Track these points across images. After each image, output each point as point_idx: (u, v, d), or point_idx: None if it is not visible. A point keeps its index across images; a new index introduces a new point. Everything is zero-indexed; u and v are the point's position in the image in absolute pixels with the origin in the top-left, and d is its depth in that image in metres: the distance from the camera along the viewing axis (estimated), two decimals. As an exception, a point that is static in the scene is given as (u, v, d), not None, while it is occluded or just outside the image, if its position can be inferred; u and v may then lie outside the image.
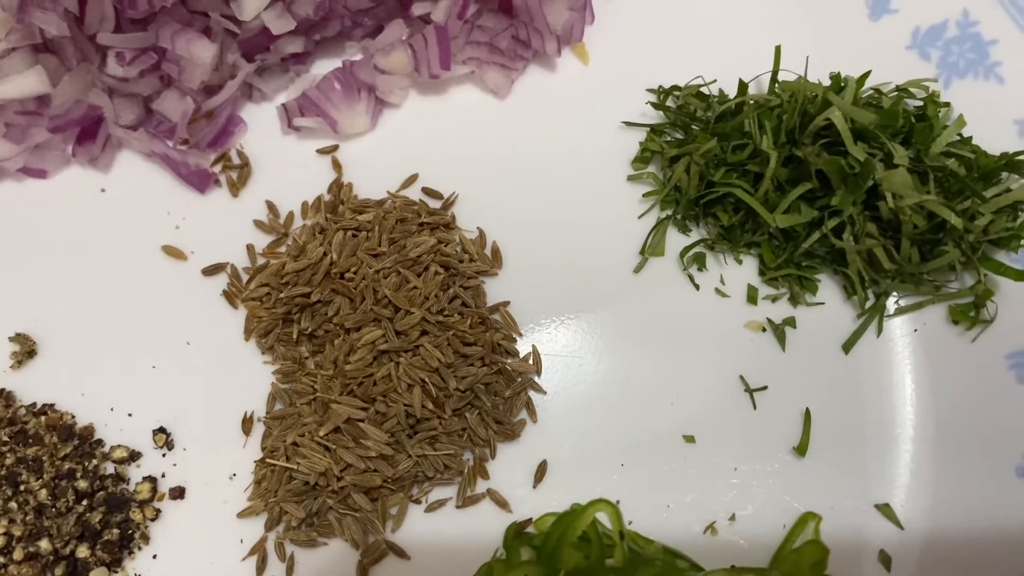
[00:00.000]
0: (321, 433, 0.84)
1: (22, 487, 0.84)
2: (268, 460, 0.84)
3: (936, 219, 0.87)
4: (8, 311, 0.93)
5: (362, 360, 0.86)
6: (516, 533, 0.83)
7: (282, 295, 0.90)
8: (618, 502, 0.85)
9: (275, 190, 0.98)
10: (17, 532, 0.81)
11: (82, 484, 0.86)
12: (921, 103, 0.94)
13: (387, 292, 0.88)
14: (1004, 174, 0.90)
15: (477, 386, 0.87)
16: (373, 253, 0.90)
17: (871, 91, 0.96)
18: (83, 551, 0.84)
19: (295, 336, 0.90)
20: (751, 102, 0.95)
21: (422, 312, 0.87)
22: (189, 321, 0.93)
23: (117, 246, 0.96)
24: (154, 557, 0.86)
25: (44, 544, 0.82)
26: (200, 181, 0.97)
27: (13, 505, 0.82)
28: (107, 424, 0.90)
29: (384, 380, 0.85)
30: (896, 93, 0.95)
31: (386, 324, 0.87)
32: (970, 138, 0.93)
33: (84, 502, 0.86)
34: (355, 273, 0.89)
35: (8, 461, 0.85)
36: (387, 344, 0.86)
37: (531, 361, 0.91)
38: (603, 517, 0.83)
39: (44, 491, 0.84)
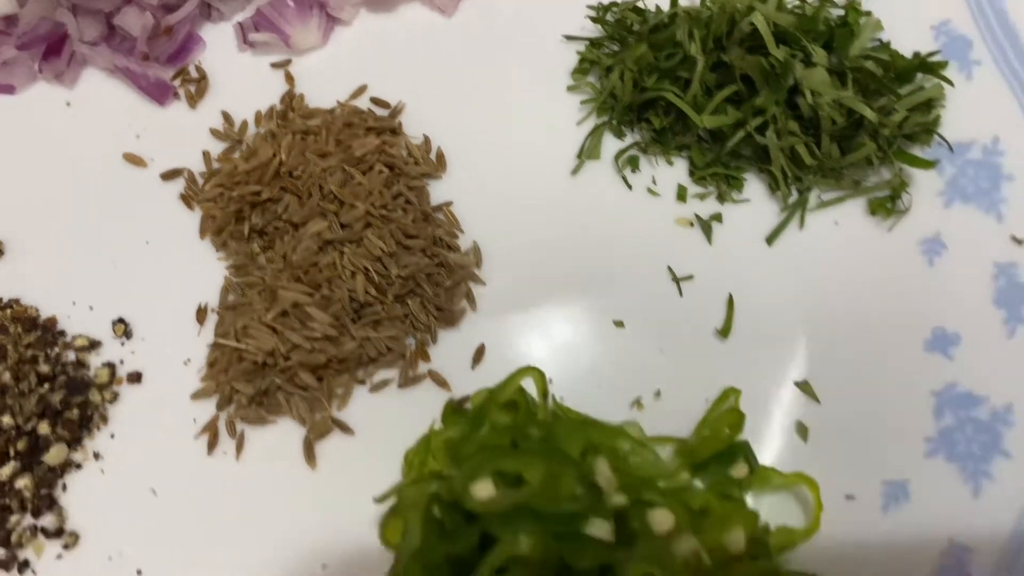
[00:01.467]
0: (269, 316, 0.89)
1: (-14, 370, 0.89)
2: (220, 341, 0.89)
3: (854, 116, 0.92)
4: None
5: (308, 249, 0.91)
6: (454, 408, 0.88)
7: (234, 193, 0.95)
8: (550, 381, 0.90)
9: (231, 102, 1.03)
10: (-19, 409, 0.86)
11: (44, 368, 0.91)
12: (843, 11, 0.99)
13: (332, 188, 0.93)
14: (919, 75, 0.95)
15: (418, 275, 0.91)
16: (320, 154, 0.95)
17: (797, 3, 1.01)
18: (44, 428, 0.88)
19: (246, 232, 0.95)
20: (683, 14, 1.00)
21: (366, 206, 0.92)
22: (148, 222, 0.98)
23: (81, 155, 1.01)
24: (112, 436, 0.90)
25: (6, 419, 0.87)
26: (160, 93, 1.02)
27: (-22, 384, 0.87)
28: (70, 317, 0.95)
29: (329, 267, 0.90)
30: (820, 3, 1.00)
31: (331, 217, 0.92)
32: (888, 43, 0.97)
33: (46, 385, 0.90)
34: (303, 172, 0.94)
35: (-27, 347, 0.90)
36: (332, 234, 0.91)
37: (471, 255, 0.95)
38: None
39: (7, 374, 0.89)
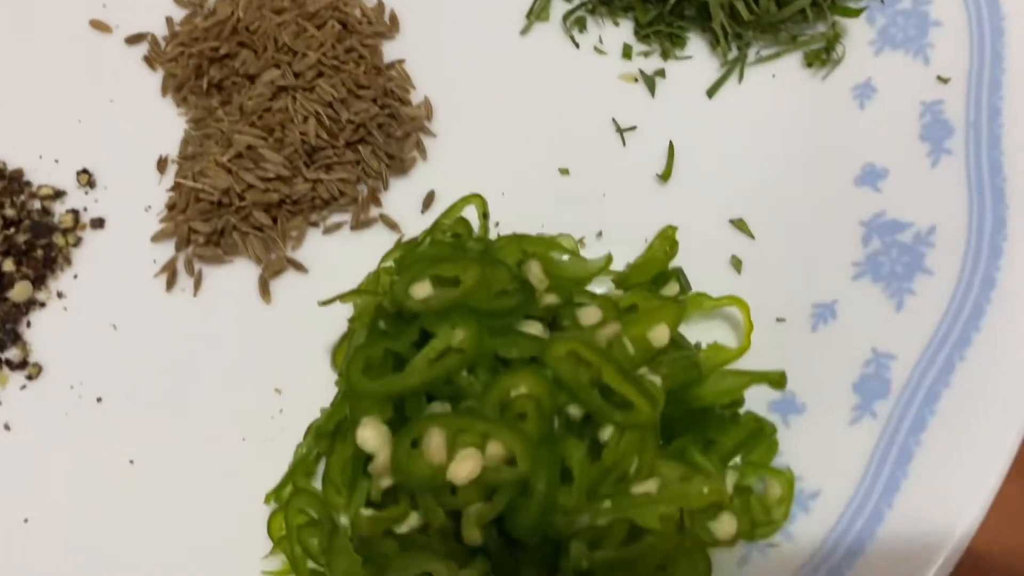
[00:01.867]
0: (224, 158, 0.92)
1: (-49, 214, 0.93)
2: (178, 181, 0.93)
3: (790, -29, 0.95)
4: (-54, 75, 1.01)
5: (262, 96, 0.94)
6: (399, 247, 0.91)
7: (193, 50, 0.98)
8: (496, 224, 0.93)
9: (191, -29, 1.07)
10: (-54, 246, 0.90)
11: (9, 212, 0.94)
12: None
13: (286, 39, 0.96)
14: (853, -69, 0.99)
15: (369, 123, 0.95)
16: (276, 10, 0.99)
17: None
18: (8, 265, 0.92)
19: (205, 87, 0.99)
20: None
21: (318, 55, 0.96)
22: (112, 83, 1.02)
23: (49, 20, 1.04)
24: (75, 277, 0.94)
25: (-32, 258, 0.90)
26: (123, -38, 1.05)
27: (-57, 223, 0.91)
28: (36, 170, 0.99)
29: (281, 111, 0.94)
30: None
31: (284, 66, 0.95)
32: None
33: (11, 228, 0.94)
34: (258, 27, 0.98)
35: (-60, 194, 0.94)
36: (284, 81, 0.94)
37: (423, 109, 0.99)
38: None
39: (-28, 218, 0.93)
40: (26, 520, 0.85)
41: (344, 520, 0.76)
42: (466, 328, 0.74)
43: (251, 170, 0.92)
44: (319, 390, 0.88)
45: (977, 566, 0.82)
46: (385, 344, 0.77)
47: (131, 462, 0.87)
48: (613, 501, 0.69)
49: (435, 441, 0.70)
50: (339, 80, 0.95)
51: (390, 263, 0.88)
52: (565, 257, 0.83)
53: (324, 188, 0.93)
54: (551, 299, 0.78)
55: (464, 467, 0.69)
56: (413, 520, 0.75)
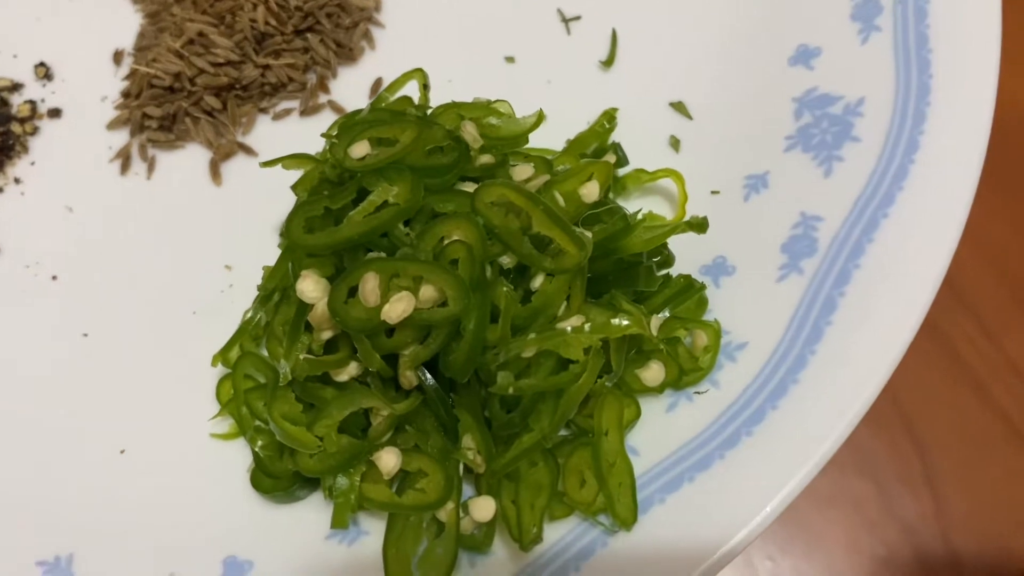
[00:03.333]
0: (176, 44, 0.95)
1: (-91, 103, 0.95)
2: (132, 67, 0.95)
3: None
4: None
5: (212, -17, 0.96)
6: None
7: (146, -54, 1.01)
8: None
9: None
10: (-95, 126, 0.92)
11: (-35, 102, 0.97)
12: None
13: (234, -67, 0.98)
14: None
15: (318, 12, 0.97)
16: (226, -94, 1.01)
17: None
18: (-34, 151, 0.94)
19: (159, -18, 1.01)
20: None
21: (270, -54, 0.98)
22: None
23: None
24: (32, 164, 0.97)
25: (-74, 139, 0.93)
26: None
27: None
28: (-4, 65, 1.01)
29: (231, 0, 0.96)
30: None
31: (234, -40, 0.98)
32: None
33: (-31, 117, 0.96)
34: (211, -79, 1.00)
35: (-102, 84, 0.96)
36: (233, -29, 0.97)
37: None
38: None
39: (-71, 104, 0.95)
40: (-20, 388, 0.87)
41: (285, 369, 0.78)
42: (402, 183, 0.76)
43: (202, 55, 0.94)
44: (267, 262, 0.90)
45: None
46: (324, 202, 0.79)
47: (85, 335, 0.89)
48: (538, 335, 0.72)
49: (370, 285, 0.72)
50: (289, -29, 0.97)
51: (331, 136, 0.91)
52: (498, 120, 0.85)
53: (273, 74, 0.96)
54: (486, 159, 0.80)
55: (397, 307, 0.71)
56: (352, 369, 0.77)
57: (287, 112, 0.97)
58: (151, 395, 0.86)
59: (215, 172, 0.94)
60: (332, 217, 0.79)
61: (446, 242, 0.74)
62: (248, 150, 0.95)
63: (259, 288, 0.85)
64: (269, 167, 0.85)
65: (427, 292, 0.72)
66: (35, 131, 0.97)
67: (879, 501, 1.05)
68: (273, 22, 0.95)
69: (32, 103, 0.98)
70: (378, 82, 0.97)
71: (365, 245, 0.77)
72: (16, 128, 0.97)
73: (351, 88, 0.98)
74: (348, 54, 0.98)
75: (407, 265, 0.73)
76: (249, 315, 0.85)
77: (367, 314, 0.72)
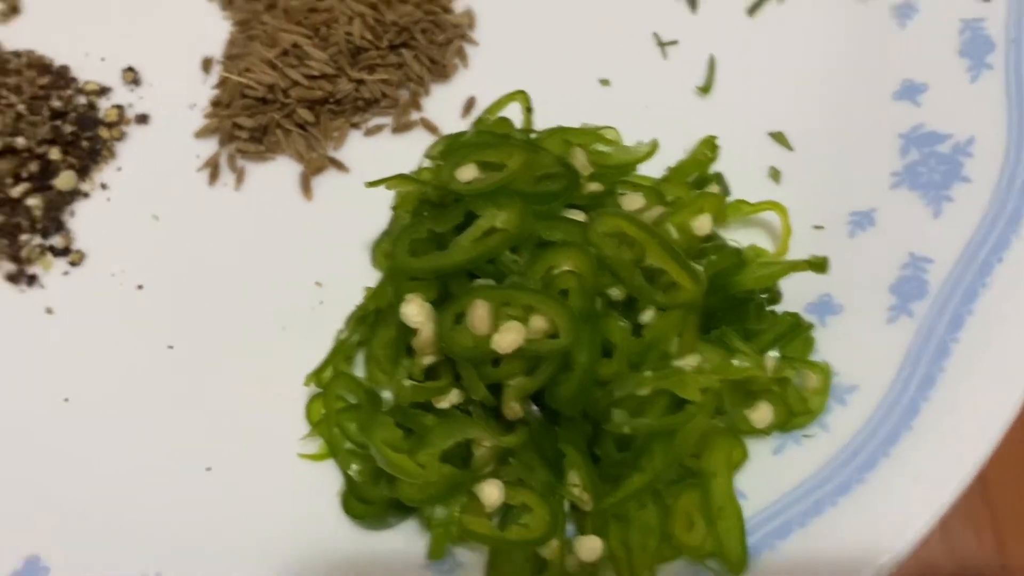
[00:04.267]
0: (270, 55, 0.93)
1: (2, 100, 0.94)
2: (224, 75, 0.94)
3: None
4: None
5: (308, -4, 0.95)
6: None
7: (239, -45, 0.99)
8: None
9: None
10: (-2, 128, 0.91)
11: (56, 104, 0.95)
12: None
13: (333, -56, 0.97)
14: None
15: (412, 27, 0.96)
16: (321, -82, 1.00)
17: None
18: (55, 154, 0.93)
19: (253, -10, 1.00)
20: None
21: (365, -41, 0.96)
22: (150, -10, 1.03)
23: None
24: (119, 170, 0.95)
25: (20, 140, 0.91)
26: None
27: (7, 110, 0.92)
28: (82, 68, 1.00)
29: (326, 11, 0.94)
30: None
31: (331, -31, 0.96)
32: None
33: (58, 120, 0.95)
34: (303, -67, 0.98)
35: (-12, 82, 0.95)
36: (331, -18, 0.95)
37: (465, 17, 1.00)
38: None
39: (22, 105, 0.94)
40: (66, 400, 0.86)
41: (386, 394, 0.77)
42: (510, 208, 0.75)
43: (296, 67, 0.93)
44: (358, 285, 0.89)
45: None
46: (429, 226, 0.77)
47: (170, 347, 0.88)
48: (654, 372, 0.70)
49: (479, 312, 0.71)
50: (384, -16, 0.96)
51: (434, 157, 0.89)
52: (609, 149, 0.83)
53: (367, 89, 0.94)
54: (594, 187, 0.78)
55: (507, 338, 0.70)
56: (454, 397, 0.76)
57: (379, 128, 0.95)
58: (238, 411, 0.85)
59: (306, 186, 0.93)
60: (435, 240, 0.77)
61: (556, 271, 0.72)
62: (339, 165, 0.94)
63: (357, 308, 0.83)
64: (373, 187, 0.83)
65: (537, 322, 0.71)
66: (122, 136, 0.96)
67: (942, 541, 1.02)
68: (369, 36, 0.94)
69: (120, 108, 0.97)
70: (471, 101, 0.96)
71: (471, 271, 0.75)
72: (104, 133, 0.96)
73: (443, 106, 0.97)
74: (441, 71, 0.97)
75: (518, 294, 0.71)
76: (344, 335, 0.83)
77: (475, 342, 0.71)
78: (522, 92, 0.87)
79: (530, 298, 0.71)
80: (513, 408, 0.73)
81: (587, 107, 0.95)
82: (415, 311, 0.75)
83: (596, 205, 0.78)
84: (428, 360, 0.76)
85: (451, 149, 0.81)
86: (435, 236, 0.78)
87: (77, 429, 0.85)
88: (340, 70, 0.93)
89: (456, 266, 0.75)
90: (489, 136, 0.82)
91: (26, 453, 0.84)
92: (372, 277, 0.90)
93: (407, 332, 0.76)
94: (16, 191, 0.91)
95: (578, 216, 0.78)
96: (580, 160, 0.78)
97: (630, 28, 1.00)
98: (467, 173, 0.77)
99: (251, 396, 0.85)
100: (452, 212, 0.77)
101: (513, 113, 0.90)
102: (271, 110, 0.93)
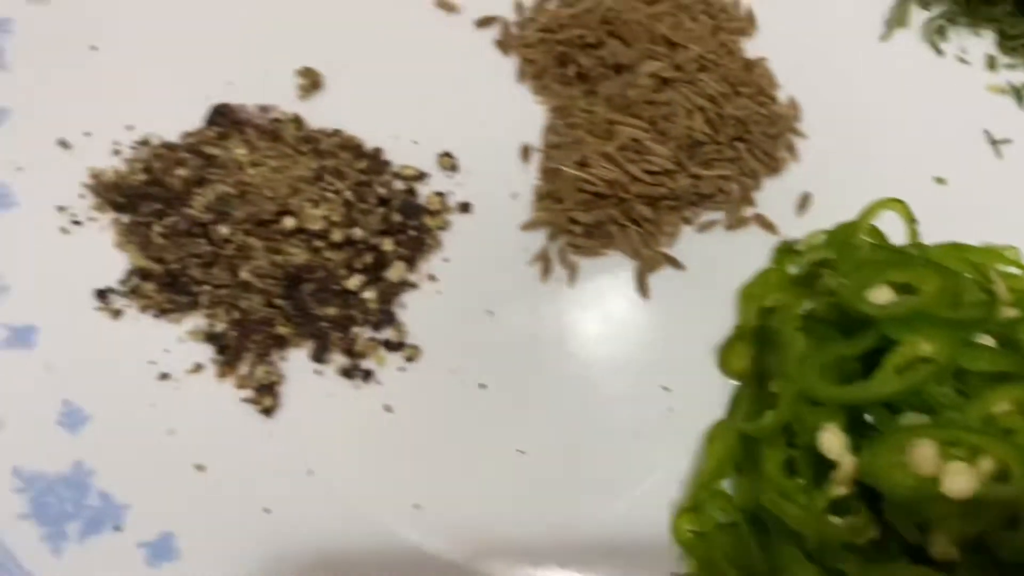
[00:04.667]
0: (608, 149, 0.91)
1: (329, 185, 0.91)
2: (564, 169, 0.91)
3: None
4: (292, 46, 1.00)
5: (644, 87, 0.92)
6: (786, 248, 0.90)
7: (558, 37, 0.97)
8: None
9: (538, -43, 1.05)
10: (336, 218, 0.88)
11: (381, 190, 0.93)
12: None
13: (664, 31, 0.94)
14: None
15: (748, 118, 0.93)
16: (647, 1, 0.97)
17: None
18: (387, 245, 0.91)
19: (571, 75, 0.97)
20: None
21: (699, 49, 0.94)
22: (463, 66, 1.00)
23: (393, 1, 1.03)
24: (445, 260, 0.93)
25: (358, 231, 0.89)
26: (471, -56, 1.04)
27: (331, 195, 0.89)
28: (393, 150, 0.97)
29: (666, 104, 0.92)
30: None
31: (664, 58, 0.94)
32: None
33: (384, 207, 0.93)
34: (630, 17, 0.96)
35: (313, 165, 0.92)
36: (668, 73, 0.93)
37: (792, 108, 0.97)
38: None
39: (349, 192, 0.91)
40: (417, 506, 0.83)
41: (790, 525, 0.74)
42: (936, 338, 0.72)
43: (636, 162, 0.90)
44: (705, 390, 0.86)
45: None
46: (839, 349, 0.75)
47: (520, 452, 0.85)
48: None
49: (925, 452, 0.68)
50: (719, 75, 0.93)
51: (775, 266, 0.87)
52: (1013, 269, 0.80)
53: (704, 184, 0.91)
54: (1011, 313, 0.75)
55: (959, 482, 0.67)
56: (870, 531, 0.73)
57: (711, 224, 0.93)
58: (587, 524, 0.82)
59: (642, 284, 0.90)
60: (842, 363, 0.75)
61: (996, 409, 0.70)
62: (675, 263, 0.91)
63: (723, 422, 0.81)
64: (750, 299, 0.81)
65: (985, 464, 0.68)
66: (446, 225, 0.93)
67: None
68: (708, 130, 0.91)
69: (441, 195, 0.94)
70: (806, 197, 0.93)
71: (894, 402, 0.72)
72: (428, 221, 0.93)
73: (776, 201, 0.94)
74: (773, 164, 0.94)
75: (966, 435, 0.68)
76: (718, 452, 0.81)
77: (917, 482, 0.68)
78: (899, 202, 0.84)
79: (979, 439, 0.68)
80: (948, 551, 0.70)
81: (924, 205, 0.92)
82: (834, 442, 0.72)
83: (1010, 334, 0.75)
84: (841, 491, 0.73)
85: (856, 266, 0.78)
86: (843, 359, 0.75)
87: (428, 532, 0.82)
88: (680, 165, 0.91)
89: (882, 398, 0.72)
90: (888, 252, 0.79)
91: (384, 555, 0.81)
92: (719, 382, 0.87)
93: (823, 463, 0.73)
94: (352, 283, 0.88)
95: (989, 342, 0.75)
96: (1000, 286, 0.75)
97: (957, 123, 0.97)
98: (881, 295, 0.74)
99: (610, 505, 0.83)
100: (863, 337, 0.74)
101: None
102: (608, 205, 0.91)
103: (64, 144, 0.96)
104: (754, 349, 0.87)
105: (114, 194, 0.93)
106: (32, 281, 0.90)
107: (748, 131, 0.94)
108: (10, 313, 0.89)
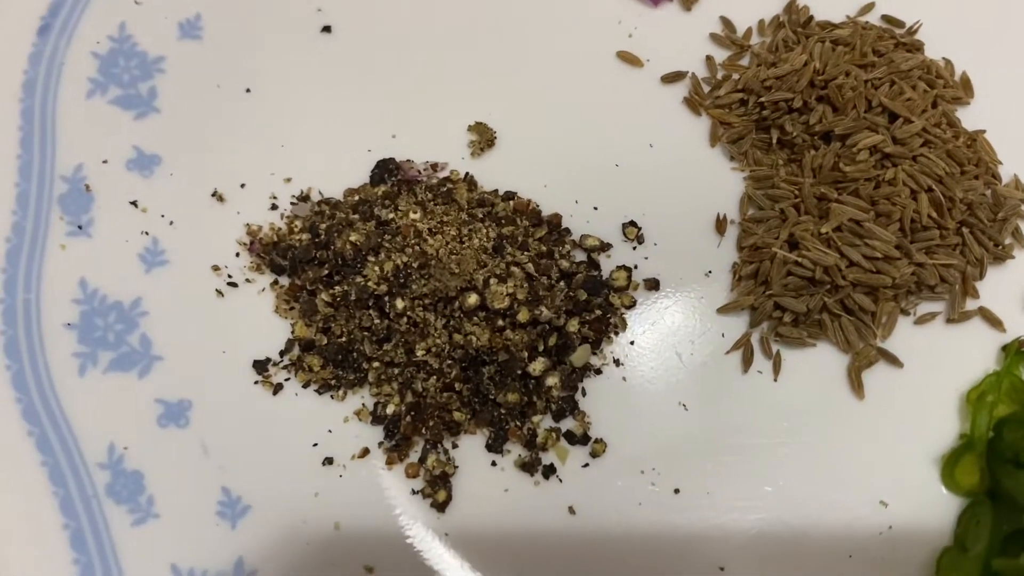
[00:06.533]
0: (824, 229, 0.81)
1: (510, 257, 0.83)
2: (777, 251, 0.82)
3: None
4: (465, 103, 0.92)
5: (865, 163, 0.83)
6: (1018, 349, 0.80)
7: (763, 99, 0.88)
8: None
9: (727, 8, 0.96)
10: (521, 296, 0.80)
11: (564, 264, 0.85)
12: None
13: (883, 100, 0.85)
14: None
15: (975, 201, 0.84)
16: (862, 64, 0.88)
17: None
18: (573, 325, 0.82)
19: (773, 141, 0.88)
20: None
21: (922, 121, 0.84)
22: (649, 124, 0.92)
23: (569, 48, 0.95)
24: (631, 343, 0.84)
25: (544, 311, 0.80)
26: (658, -9, 0.95)
27: (516, 271, 0.81)
28: (572, 216, 0.89)
29: (888, 183, 0.82)
30: None
31: (883, 131, 0.84)
32: None
33: (565, 281, 0.84)
34: (843, 82, 0.87)
35: (492, 234, 0.84)
36: (889, 148, 0.83)
37: (1018, 187, 0.87)
38: None
39: (531, 265, 0.83)
40: (607, 625, 0.75)
41: None
42: None
43: (856, 246, 0.81)
44: (930, 506, 0.77)
45: None
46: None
47: (721, 568, 0.76)
48: None
49: None
50: (944, 151, 0.83)
51: (1008, 368, 0.78)
52: None
53: (927, 273, 0.82)
54: None
55: None
56: None
57: (931, 316, 0.83)
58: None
59: (856, 381, 0.81)
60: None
61: None
62: (892, 359, 0.82)
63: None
64: (979, 406, 0.72)
65: None
66: (632, 304, 0.85)
67: None
68: (935, 214, 0.82)
69: (627, 270, 0.86)
70: (1035, 290, 0.83)
71: None
72: (614, 299, 0.84)
73: (1000, 294, 0.85)
74: (1000, 253, 0.84)
75: None
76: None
77: None
78: None
79: None
80: None
81: None
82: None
83: None
84: None
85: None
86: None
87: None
88: (903, 251, 0.81)
89: None
90: None
91: None
92: (943, 497, 0.78)
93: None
94: (536, 367, 0.80)
95: None
96: None
97: None
98: None
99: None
100: None
101: None
102: (821, 292, 0.81)
103: (219, 197, 0.88)
104: (986, 463, 0.77)
105: (273, 254, 0.85)
106: (185, 349, 0.82)
107: (973, 215, 0.84)
108: (164, 386, 0.81)
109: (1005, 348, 0.82)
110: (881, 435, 0.81)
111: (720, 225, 0.87)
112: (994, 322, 0.83)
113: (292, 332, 0.84)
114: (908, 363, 0.83)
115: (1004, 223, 0.86)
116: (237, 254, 0.87)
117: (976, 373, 0.82)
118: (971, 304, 0.84)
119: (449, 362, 0.80)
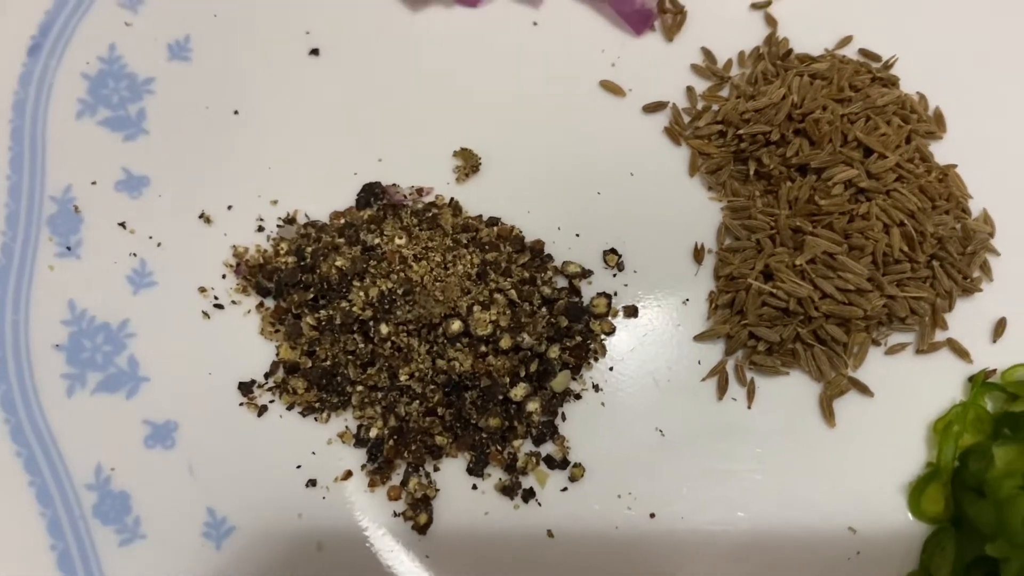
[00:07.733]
0: (798, 261, 0.84)
1: (493, 284, 0.85)
2: (752, 282, 0.84)
3: None
4: (450, 128, 0.93)
5: (840, 196, 0.86)
6: (985, 380, 0.83)
7: (741, 131, 0.90)
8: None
9: (708, 39, 0.98)
10: (504, 323, 0.82)
11: (545, 290, 0.86)
12: None
13: (859, 135, 0.88)
14: None
15: (947, 238, 0.86)
16: (839, 99, 0.90)
17: None
18: (553, 352, 0.84)
19: (750, 173, 0.90)
20: None
21: (896, 157, 0.87)
22: (630, 153, 0.94)
23: (553, 76, 0.96)
24: (610, 369, 0.86)
25: (526, 338, 0.82)
26: (640, 21, 0.97)
27: (499, 297, 0.83)
28: (555, 242, 0.91)
29: (862, 218, 0.85)
30: None
31: (858, 165, 0.87)
32: None
33: (547, 308, 0.86)
34: (820, 116, 0.89)
35: (476, 260, 0.86)
36: (865, 183, 0.86)
37: (985, 222, 0.90)
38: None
39: (513, 291, 0.85)
40: (582, 645, 0.77)
41: None
42: None
43: (829, 279, 0.84)
44: (896, 533, 0.79)
45: None
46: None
47: (693, 589, 0.78)
48: None
49: None
50: (917, 186, 0.86)
51: (971, 400, 0.81)
52: None
53: (898, 305, 0.84)
54: None
55: None
56: None
57: (901, 347, 0.86)
58: None
59: (827, 410, 0.84)
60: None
61: None
62: (863, 388, 0.84)
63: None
64: (946, 436, 0.75)
65: None
66: (612, 330, 0.87)
67: None
68: (907, 248, 0.84)
69: (607, 297, 0.88)
70: (1002, 323, 0.86)
71: None
72: (594, 326, 0.86)
73: (968, 326, 0.87)
74: (968, 285, 0.87)
75: None
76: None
77: None
78: None
79: None
80: None
81: None
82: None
83: None
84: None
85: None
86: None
87: None
88: (875, 284, 0.84)
89: None
90: None
91: None
92: (910, 524, 0.80)
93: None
94: (517, 393, 0.82)
95: None
96: None
97: None
98: None
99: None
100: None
101: None
102: (795, 322, 0.84)
103: (206, 218, 0.89)
104: (951, 492, 0.80)
105: (259, 277, 0.86)
106: (172, 370, 0.84)
107: (944, 248, 0.86)
108: (151, 407, 0.82)
109: (971, 379, 0.84)
110: (851, 462, 0.83)
111: (698, 254, 0.90)
112: (962, 353, 0.86)
113: (277, 354, 0.85)
114: (878, 392, 0.85)
115: (973, 256, 0.88)
116: (224, 276, 0.88)
117: (943, 403, 0.84)
118: (940, 335, 0.87)
119: (432, 387, 0.82)
